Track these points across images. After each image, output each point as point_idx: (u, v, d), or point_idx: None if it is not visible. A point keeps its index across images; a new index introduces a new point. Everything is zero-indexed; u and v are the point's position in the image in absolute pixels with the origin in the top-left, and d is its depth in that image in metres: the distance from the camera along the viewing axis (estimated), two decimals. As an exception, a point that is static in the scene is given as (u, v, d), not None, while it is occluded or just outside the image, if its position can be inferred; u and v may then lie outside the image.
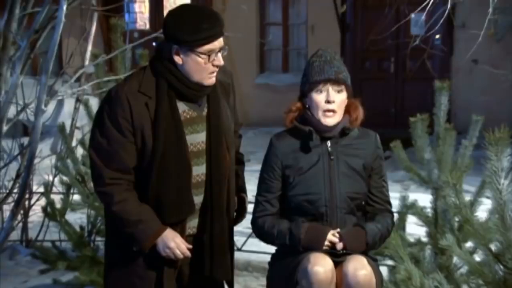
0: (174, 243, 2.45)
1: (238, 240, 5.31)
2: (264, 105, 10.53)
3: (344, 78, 2.52)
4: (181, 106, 2.48)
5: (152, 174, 2.43)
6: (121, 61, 4.06)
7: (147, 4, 10.93)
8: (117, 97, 2.42)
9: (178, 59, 2.43)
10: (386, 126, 8.33)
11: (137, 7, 10.85)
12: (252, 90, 10.75)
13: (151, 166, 2.43)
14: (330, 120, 2.51)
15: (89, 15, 6.13)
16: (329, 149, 2.54)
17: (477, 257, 3.00)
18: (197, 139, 2.51)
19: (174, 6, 10.93)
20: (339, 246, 2.46)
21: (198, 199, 2.53)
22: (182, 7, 2.53)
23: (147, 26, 11.10)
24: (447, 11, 6.15)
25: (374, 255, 2.71)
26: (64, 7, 3.13)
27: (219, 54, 2.45)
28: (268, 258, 5.10)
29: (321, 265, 2.37)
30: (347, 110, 2.56)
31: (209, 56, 2.42)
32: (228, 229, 2.58)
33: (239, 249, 5.25)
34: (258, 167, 7.75)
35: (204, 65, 2.42)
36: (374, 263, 2.51)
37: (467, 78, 9.31)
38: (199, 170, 2.51)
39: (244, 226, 6.07)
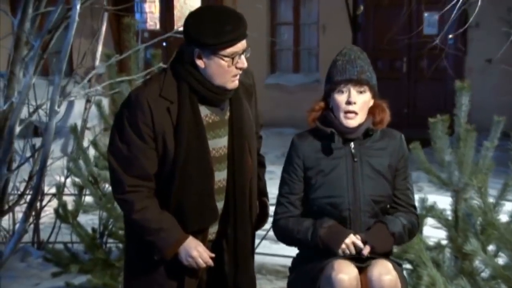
0: (197, 251, 2.39)
1: (250, 242, 5.29)
2: (275, 105, 10.46)
3: (367, 78, 2.45)
4: (203, 110, 2.42)
5: (174, 181, 2.37)
6: (134, 61, 4.01)
7: (157, 4, 10.89)
8: (137, 102, 2.37)
9: (200, 63, 2.37)
10: (399, 126, 8.22)
11: (147, 7, 10.82)
12: (263, 90, 10.68)
13: (173, 172, 2.37)
14: (351, 122, 2.45)
15: (101, 15, 6.09)
16: (353, 150, 2.47)
17: (500, 261, 2.93)
18: (219, 144, 2.45)
19: (184, 6, 10.90)
20: (366, 250, 2.39)
21: (219, 205, 2.47)
22: (203, 8, 2.48)
23: (157, 26, 11.06)
24: (457, 10, 6.05)
25: (396, 259, 2.64)
26: (78, 7, 3.08)
27: (242, 56, 2.38)
28: (281, 260, 5.09)
29: (345, 273, 2.31)
30: (372, 111, 2.49)
31: (232, 59, 2.36)
32: (250, 235, 2.52)
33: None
34: (269, 167, 7.66)
35: (227, 68, 2.36)
36: (399, 268, 2.44)
37: (481, 78, 9.21)
38: (220, 176, 2.45)
39: (256, 228, 6.08)
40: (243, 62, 2.38)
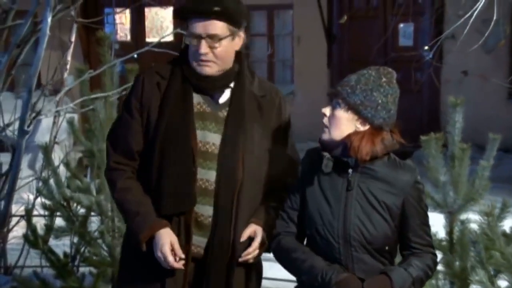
0: (161, 253, 2.25)
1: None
2: (249, 118, 10.33)
3: (342, 91, 2.22)
4: (196, 98, 2.31)
5: (154, 156, 2.26)
6: (109, 77, 3.80)
7: (128, 15, 10.67)
8: (136, 80, 2.37)
9: (185, 40, 2.30)
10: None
11: (117, 18, 10.57)
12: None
13: (153, 147, 2.27)
14: (322, 134, 2.28)
15: (70, 26, 5.88)
16: (349, 178, 2.26)
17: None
18: (207, 137, 2.30)
19: (155, 17, 10.67)
20: None
21: (205, 210, 2.31)
22: None
23: (128, 38, 10.84)
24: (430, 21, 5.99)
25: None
26: (49, 19, 2.86)
27: (203, 42, 2.22)
28: (264, 282, 4.89)
29: None
30: (349, 135, 2.25)
31: (195, 39, 2.23)
32: (228, 248, 2.32)
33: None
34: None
35: (193, 49, 2.24)
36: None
37: (457, 90, 9.19)
38: (204, 174, 2.29)
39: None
40: (200, 47, 2.23)
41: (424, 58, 8.10)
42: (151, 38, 10.40)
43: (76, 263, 4.17)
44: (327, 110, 2.26)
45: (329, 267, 2.23)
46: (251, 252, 2.33)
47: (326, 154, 2.26)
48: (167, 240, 2.24)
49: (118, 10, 9.10)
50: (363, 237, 2.24)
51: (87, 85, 3.88)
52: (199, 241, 2.34)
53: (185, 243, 2.30)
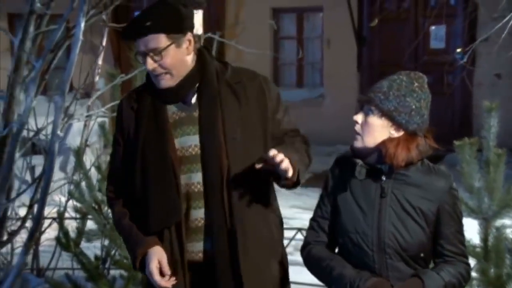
0: (148, 271, 2.27)
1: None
2: (278, 121, 10.31)
3: (374, 98, 2.19)
4: (170, 109, 2.33)
5: (136, 176, 2.30)
6: (140, 81, 3.83)
7: (158, 18, 10.75)
8: (118, 106, 2.44)
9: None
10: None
11: (148, 22, 10.68)
12: (266, 105, 10.54)
13: (134, 168, 2.30)
14: (354, 142, 2.25)
15: (101, 30, 5.94)
16: (383, 184, 2.23)
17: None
18: (188, 141, 2.30)
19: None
20: None
21: (197, 213, 2.29)
22: None
23: (158, 41, 10.92)
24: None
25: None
26: (82, 25, 2.89)
27: (148, 59, 2.23)
28: (292, 287, 4.86)
29: None
30: (384, 142, 2.21)
31: (142, 57, 2.25)
32: (228, 250, 2.29)
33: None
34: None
35: (145, 65, 2.27)
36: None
37: (490, 93, 9.06)
38: (195, 178, 2.29)
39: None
40: (146, 63, 2.25)
41: (456, 61, 8.00)
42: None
43: (106, 266, 4.20)
44: (359, 117, 2.24)
45: (357, 274, 2.20)
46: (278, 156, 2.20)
47: (359, 161, 2.23)
48: (153, 259, 2.26)
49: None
50: (398, 245, 2.21)
51: (118, 89, 3.92)
52: (197, 247, 2.33)
53: (180, 255, 2.30)
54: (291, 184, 2.30)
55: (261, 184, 2.36)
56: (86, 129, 5.43)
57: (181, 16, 2.27)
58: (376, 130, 2.21)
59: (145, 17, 2.24)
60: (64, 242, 4.03)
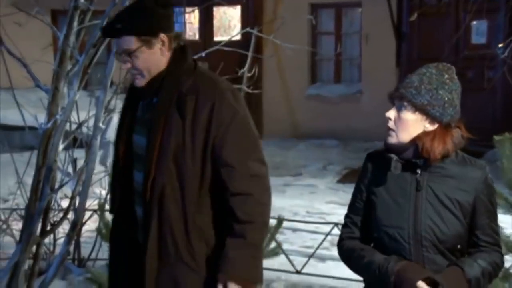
0: None
1: (295, 259, 5.10)
2: (315, 117, 10.29)
3: (406, 94, 2.20)
4: (141, 105, 2.40)
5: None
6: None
7: (196, 14, 10.83)
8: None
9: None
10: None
11: (186, 17, 10.75)
12: (303, 101, 10.53)
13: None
14: (388, 138, 2.25)
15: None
16: (418, 178, 2.24)
17: None
18: (138, 141, 2.37)
19: (224, 16, 10.76)
20: None
21: (138, 210, 2.37)
22: None
23: (197, 37, 10.99)
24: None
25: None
26: (124, 20, 2.93)
27: (125, 57, 2.28)
28: (329, 281, 4.88)
29: None
30: (419, 137, 2.22)
31: (119, 56, 2.32)
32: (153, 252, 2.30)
33: (299, 272, 5.00)
34: (311, 181, 7.41)
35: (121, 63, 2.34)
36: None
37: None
38: (137, 177, 2.36)
39: (300, 245, 5.90)
40: (123, 62, 2.30)
41: (497, 56, 7.86)
42: (218, 37, 10.52)
43: (145, 257, 4.26)
44: (391, 114, 2.24)
45: (386, 259, 2.22)
46: None
47: (394, 156, 2.24)
48: None
49: (187, 9, 9.24)
50: (435, 237, 2.21)
51: (158, 83, 3.97)
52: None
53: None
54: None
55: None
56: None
57: (153, 18, 2.28)
58: (411, 125, 2.22)
59: (118, 19, 2.29)
60: (105, 233, 4.11)
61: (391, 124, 2.24)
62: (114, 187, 2.45)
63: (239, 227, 2.24)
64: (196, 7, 8.63)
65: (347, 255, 2.34)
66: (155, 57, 2.28)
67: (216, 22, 10.99)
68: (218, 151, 2.26)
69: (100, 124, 3.16)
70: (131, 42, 2.25)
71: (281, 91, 10.59)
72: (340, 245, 2.37)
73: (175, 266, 2.30)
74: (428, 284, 2.16)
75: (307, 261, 5.04)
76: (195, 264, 2.30)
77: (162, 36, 2.28)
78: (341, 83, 10.59)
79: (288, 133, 10.43)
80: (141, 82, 2.31)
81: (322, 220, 6.35)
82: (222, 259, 2.24)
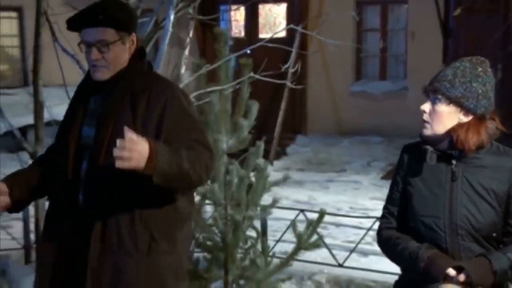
0: None
1: (337, 254, 5.15)
2: (359, 114, 10.27)
3: (440, 87, 2.27)
4: (93, 100, 2.42)
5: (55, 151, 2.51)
6: (224, 71, 3.97)
7: (242, 12, 10.93)
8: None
9: (79, 48, 2.39)
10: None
11: (232, 15, 10.88)
12: (348, 98, 10.52)
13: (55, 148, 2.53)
14: (423, 130, 2.33)
15: (187, 23, 6.13)
16: (453, 168, 2.30)
17: None
18: (87, 132, 2.40)
19: (269, 13, 10.78)
20: (461, 277, 2.23)
21: (82, 198, 2.38)
22: None
23: (242, 34, 11.10)
24: None
25: None
26: (172, 17, 3.06)
27: (93, 50, 2.30)
28: (370, 275, 4.92)
29: None
30: (454, 129, 2.29)
31: (85, 47, 2.32)
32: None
33: (341, 265, 5.06)
34: (355, 177, 7.44)
35: (86, 56, 2.33)
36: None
37: None
38: (84, 165, 2.39)
39: (343, 240, 5.94)
40: (91, 53, 2.30)
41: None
42: (264, 34, 10.59)
43: (191, 249, 4.39)
44: (426, 107, 2.31)
45: (417, 247, 2.29)
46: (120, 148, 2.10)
47: (429, 148, 2.31)
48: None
49: (233, 7, 9.36)
50: (471, 226, 2.27)
51: (203, 79, 4.09)
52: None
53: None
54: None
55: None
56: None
57: (131, 16, 2.38)
58: (445, 117, 2.28)
59: (98, 9, 2.31)
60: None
61: (425, 116, 2.31)
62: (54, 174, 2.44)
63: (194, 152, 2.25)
64: (242, 5, 8.75)
65: (384, 244, 2.42)
66: (124, 53, 2.36)
67: (261, 20, 11.06)
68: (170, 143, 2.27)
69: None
70: (110, 34, 2.31)
71: (325, 88, 10.60)
72: (379, 235, 2.46)
73: (118, 254, 2.32)
74: (457, 272, 2.23)
75: (349, 255, 5.09)
76: (136, 251, 2.32)
77: (134, 35, 2.38)
78: (386, 80, 10.53)
79: (332, 129, 10.44)
80: (104, 75, 2.35)
81: (365, 215, 6.37)
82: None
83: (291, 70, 4.67)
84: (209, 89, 3.90)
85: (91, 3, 2.35)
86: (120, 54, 2.35)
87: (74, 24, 2.35)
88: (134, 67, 2.39)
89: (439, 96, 2.29)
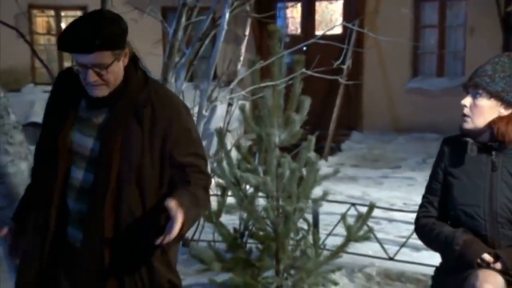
0: None
1: (389, 248, 5.19)
2: (416, 110, 10.20)
3: (481, 82, 2.37)
4: (84, 106, 2.38)
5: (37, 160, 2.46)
6: (278, 67, 4.09)
7: (299, 9, 11.01)
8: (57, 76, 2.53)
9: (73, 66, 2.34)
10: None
11: (289, 12, 10.97)
12: (404, 94, 10.46)
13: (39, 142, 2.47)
14: (464, 124, 2.42)
15: (244, 21, 6.27)
16: (493, 159, 2.39)
17: None
18: (84, 142, 2.36)
19: (325, 10, 10.86)
20: (497, 265, 2.31)
21: (74, 205, 2.37)
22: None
23: (298, 31, 11.18)
24: None
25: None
26: (227, 15, 3.20)
27: (89, 72, 2.23)
28: (422, 269, 4.95)
29: (490, 283, 2.24)
30: (494, 121, 2.39)
31: (80, 67, 2.25)
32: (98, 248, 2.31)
33: (392, 259, 5.10)
34: (409, 174, 7.43)
35: (82, 76, 2.27)
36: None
37: None
38: (77, 174, 2.36)
39: (396, 235, 5.96)
40: (88, 76, 2.24)
41: None
42: (320, 31, 10.64)
43: (244, 239, 4.53)
44: (467, 101, 2.42)
45: (453, 231, 2.38)
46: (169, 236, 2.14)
47: (470, 140, 2.41)
48: None
49: (289, 4, 9.44)
50: (511, 214, 2.35)
51: (258, 74, 4.21)
52: (77, 234, 2.39)
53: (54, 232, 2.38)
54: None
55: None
56: (228, 115, 5.83)
57: (123, 32, 2.28)
58: (486, 111, 2.38)
59: (93, 33, 2.21)
60: (207, 214, 4.40)
61: (466, 110, 2.40)
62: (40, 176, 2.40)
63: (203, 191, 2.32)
64: (298, 2, 8.85)
65: (420, 230, 2.54)
66: (120, 69, 2.32)
67: (317, 17, 11.11)
68: (174, 158, 2.32)
69: (204, 112, 3.43)
70: (107, 56, 2.25)
71: (381, 85, 10.58)
72: (417, 223, 2.56)
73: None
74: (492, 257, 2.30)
75: (399, 248, 5.12)
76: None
77: (127, 49, 2.32)
78: (444, 77, 10.42)
79: (388, 126, 10.41)
80: (103, 92, 2.30)
81: (406, 208, 6.36)
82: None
83: (342, 67, 4.73)
84: (263, 84, 4.02)
85: (82, 21, 2.26)
86: (117, 71, 2.31)
87: (66, 47, 2.25)
88: (132, 78, 2.36)
89: (480, 91, 2.38)
